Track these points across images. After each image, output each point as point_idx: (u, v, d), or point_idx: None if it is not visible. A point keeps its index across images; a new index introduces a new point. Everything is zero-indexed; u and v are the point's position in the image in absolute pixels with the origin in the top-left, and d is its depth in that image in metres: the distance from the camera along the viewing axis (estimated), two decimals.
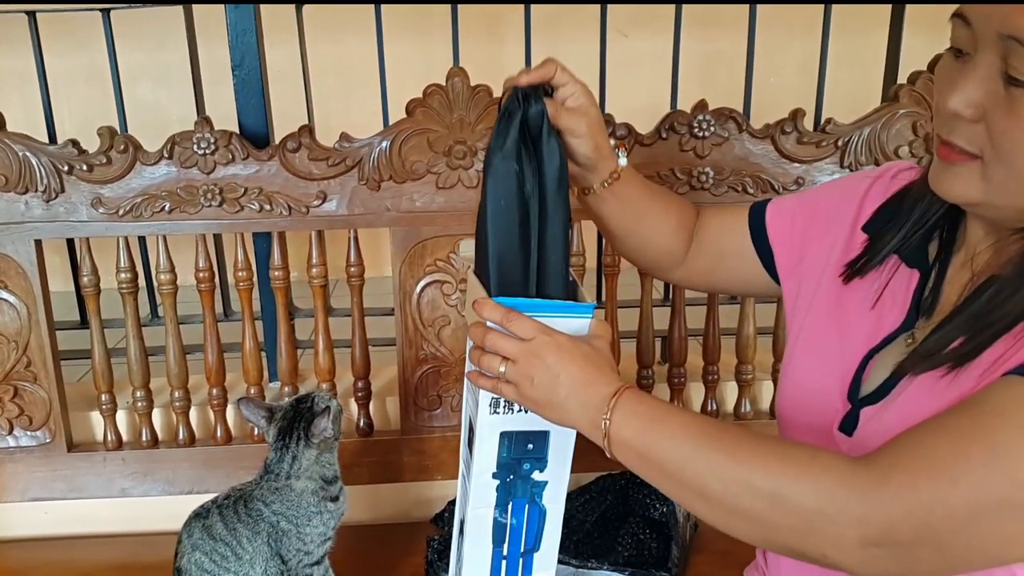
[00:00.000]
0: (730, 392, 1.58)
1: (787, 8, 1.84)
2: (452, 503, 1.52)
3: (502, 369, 0.81)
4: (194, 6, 1.58)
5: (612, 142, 0.96)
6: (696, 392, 1.58)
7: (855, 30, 1.73)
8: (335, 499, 1.21)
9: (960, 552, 0.66)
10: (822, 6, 1.54)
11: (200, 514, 1.18)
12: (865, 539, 0.66)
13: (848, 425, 0.82)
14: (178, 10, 1.57)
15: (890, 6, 1.61)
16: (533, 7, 1.51)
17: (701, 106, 1.37)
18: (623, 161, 0.97)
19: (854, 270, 0.85)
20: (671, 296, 1.53)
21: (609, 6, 1.50)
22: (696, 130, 1.37)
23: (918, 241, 0.81)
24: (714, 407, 1.55)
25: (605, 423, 0.76)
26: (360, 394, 1.50)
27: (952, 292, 0.79)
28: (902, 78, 1.41)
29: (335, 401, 1.20)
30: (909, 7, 1.58)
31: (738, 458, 0.71)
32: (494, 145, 0.86)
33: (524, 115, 0.86)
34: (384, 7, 1.49)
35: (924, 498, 0.64)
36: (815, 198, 0.96)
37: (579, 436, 0.85)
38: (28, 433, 1.47)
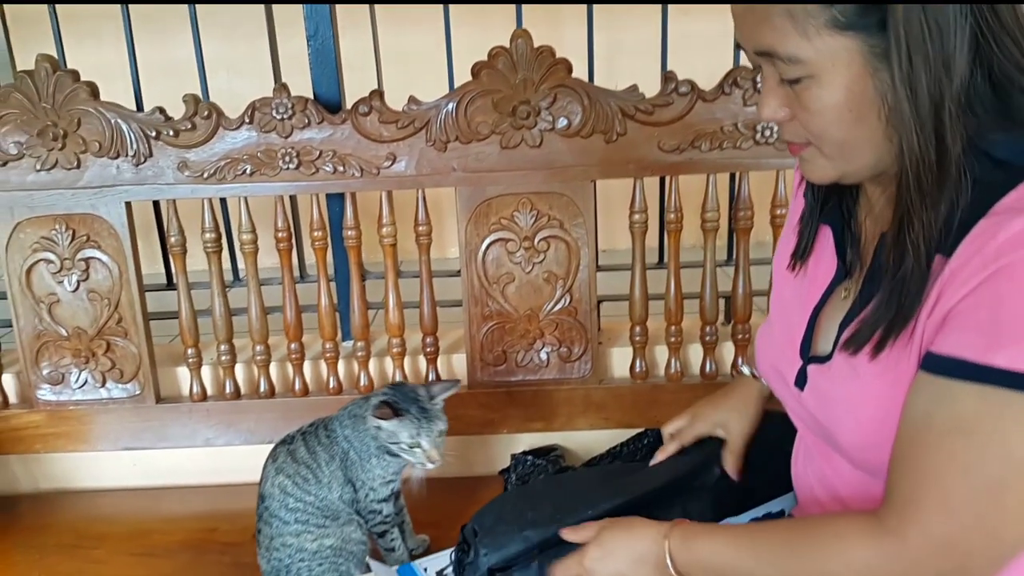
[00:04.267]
0: None
1: None
2: (515, 458, 1.57)
3: None
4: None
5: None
6: None
7: None
8: (397, 455, 1.25)
9: (1004, 545, 0.71)
10: None
11: (286, 440, 1.25)
12: None
13: (800, 380, 0.88)
14: (252, 6, 1.63)
15: None
16: None
17: None
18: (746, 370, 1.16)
19: (798, 259, 0.93)
20: (735, 256, 1.54)
21: None
22: (759, 84, 1.38)
23: (833, 201, 0.88)
24: None
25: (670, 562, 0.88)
26: (429, 350, 1.56)
27: (868, 246, 0.84)
28: None
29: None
30: None
31: (785, 566, 0.80)
32: None
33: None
34: None
35: (943, 535, 0.71)
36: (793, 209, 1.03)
37: None
38: (119, 386, 1.57)
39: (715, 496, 1.09)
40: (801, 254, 0.92)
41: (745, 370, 1.16)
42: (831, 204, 0.88)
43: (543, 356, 1.56)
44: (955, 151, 0.70)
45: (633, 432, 1.58)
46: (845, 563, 0.75)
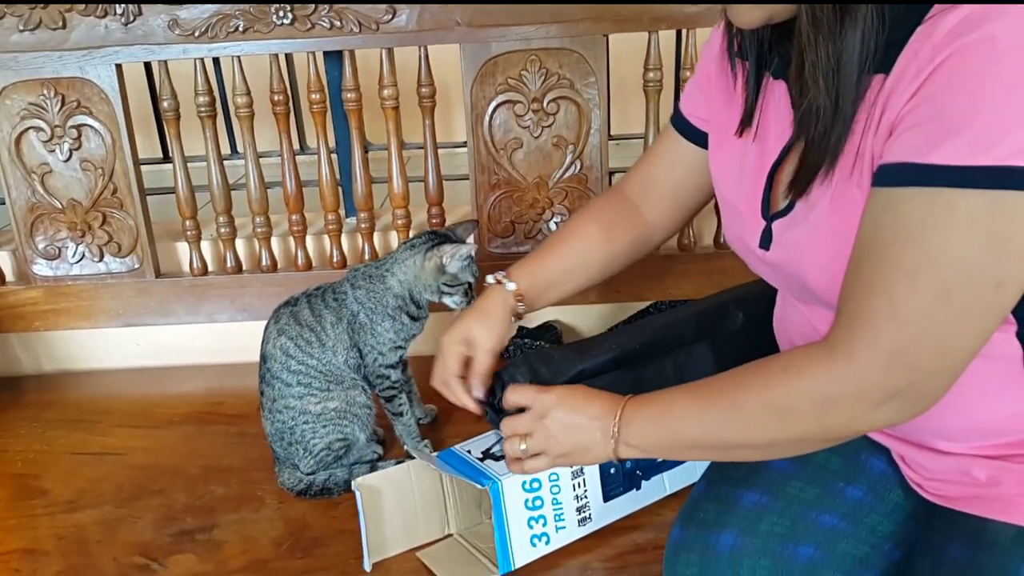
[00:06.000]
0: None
1: None
2: (516, 338, 1.53)
3: (522, 447, 0.91)
4: None
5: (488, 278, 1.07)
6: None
7: None
8: (414, 319, 1.22)
9: (953, 357, 0.69)
10: None
11: (289, 302, 1.21)
12: (873, 404, 0.71)
13: (765, 240, 0.85)
14: None
15: None
16: None
17: None
18: (511, 286, 1.05)
19: (746, 124, 0.87)
20: None
21: None
22: None
23: (774, 54, 0.83)
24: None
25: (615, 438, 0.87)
26: (435, 221, 1.50)
27: None
28: None
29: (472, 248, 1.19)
30: None
31: (736, 402, 0.79)
32: None
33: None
34: None
35: (891, 347, 0.68)
36: (703, 66, 0.98)
37: None
38: (118, 260, 1.53)
39: (742, 341, 1.05)
40: (748, 119, 0.87)
41: (490, 279, 1.07)
42: (776, 60, 0.83)
43: (552, 226, 1.50)
44: None
45: (642, 305, 1.55)
46: (797, 392, 0.74)
